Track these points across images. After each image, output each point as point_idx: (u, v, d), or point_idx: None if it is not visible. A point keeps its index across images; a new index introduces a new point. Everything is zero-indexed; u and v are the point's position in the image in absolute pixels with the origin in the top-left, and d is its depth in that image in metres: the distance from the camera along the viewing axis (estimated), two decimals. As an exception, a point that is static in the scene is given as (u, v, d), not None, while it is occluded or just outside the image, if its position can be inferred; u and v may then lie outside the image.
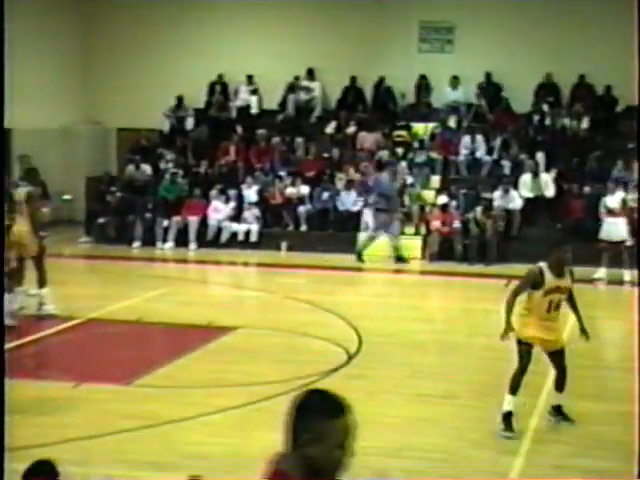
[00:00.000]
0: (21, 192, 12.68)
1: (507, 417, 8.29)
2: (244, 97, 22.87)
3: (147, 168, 21.53)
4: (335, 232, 19.52)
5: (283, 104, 22.67)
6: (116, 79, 23.38)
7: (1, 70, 4.29)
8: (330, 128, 22.03)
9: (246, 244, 19.58)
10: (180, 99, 22.93)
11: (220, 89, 23.03)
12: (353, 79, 22.37)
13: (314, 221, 19.87)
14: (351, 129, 21.76)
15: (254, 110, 22.85)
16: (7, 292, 12.10)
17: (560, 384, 8.53)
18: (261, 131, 21.75)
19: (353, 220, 19.49)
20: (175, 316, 13.07)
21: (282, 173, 20.80)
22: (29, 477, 4.43)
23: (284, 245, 19.48)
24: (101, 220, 20.40)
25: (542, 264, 8.29)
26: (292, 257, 18.82)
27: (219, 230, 19.81)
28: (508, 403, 8.32)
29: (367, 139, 21.41)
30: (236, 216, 20.00)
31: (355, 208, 19.67)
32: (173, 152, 22.00)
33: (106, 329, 12.33)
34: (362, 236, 18.70)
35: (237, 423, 8.63)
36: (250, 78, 22.73)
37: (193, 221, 19.75)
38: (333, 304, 13.83)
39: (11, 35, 22.25)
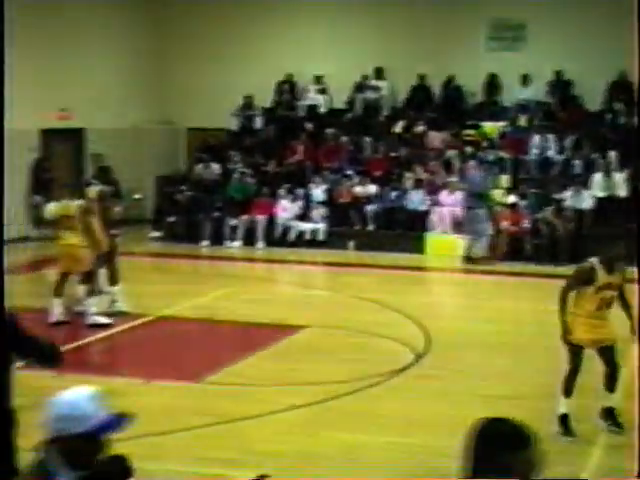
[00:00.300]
0: (93, 190, 12.89)
1: (563, 420, 8.14)
2: (312, 96, 22.93)
3: (216, 167, 21.71)
4: (403, 231, 19.44)
5: (351, 103, 22.67)
6: (187, 79, 23.63)
7: (1, 70, 4.32)
8: (398, 127, 21.96)
9: (313, 243, 19.62)
10: (249, 99, 23.07)
11: (288, 88, 23.11)
12: (421, 78, 22.27)
13: (382, 220, 19.82)
14: (419, 128, 21.66)
15: (322, 109, 22.89)
16: (93, 294, 12.36)
17: (610, 383, 8.17)
18: (329, 130, 21.78)
19: (421, 219, 19.40)
20: (244, 314, 13.15)
21: (350, 172, 20.79)
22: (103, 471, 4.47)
23: (351, 244, 19.47)
24: (170, 219, 20.63)
25: (593, 260, 8.10)
26: (359, 256, 18.81)
27: (286, 229, 19.88)
28: (562, 405, 8.16)
29: (435, 138, 21.29)
30: (303, 215, 20.06)
31: (423, 207, 19.58)
32: (241, 151, 22.15)
33: (176, 327, 12.47)
34: (463, 241, 18.37)
35: (306, 421, 8.65)
36: (318, 77, 22.77)
37: (261, 220, 19.86)
38: (401, 304, 13.77)
39: (86, 36, 22.73)
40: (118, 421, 3.46)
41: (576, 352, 8.11)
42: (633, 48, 9.50)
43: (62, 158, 21.28)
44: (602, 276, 8.00)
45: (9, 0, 17.44)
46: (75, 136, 21.75)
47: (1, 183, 5.93)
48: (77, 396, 3.43)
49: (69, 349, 10.91)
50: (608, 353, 8.15)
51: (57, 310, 12.20)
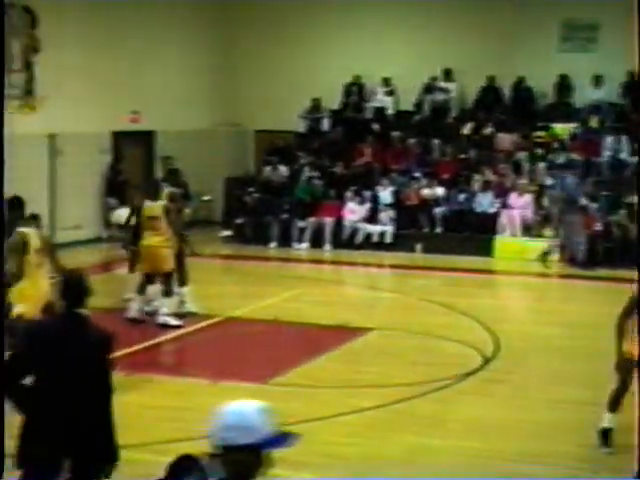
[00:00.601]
0: (164, 192, 13.03)
1: (604, 434, 7.86)
2: (380, 98, 22.86)
3: (284, 169, 21.78)
4: (471, 234, 19.26)
5: (419, 105, 22.54)
6: (255, 81, 23.75)
7: (1, 71, 4.36)
8: (467, 129, 21.77)
9: (381, 245, 19.55)
10: (316, 101, 23.10)
11: (356, 90, 23.08)
12: (491, 79, 22.04)
13: (450, 223, 19.67)
14: (488, 130, 21.44)
15: (390, 111, 22.80)
16: (168, 295, 12.54)
17: None
18: (396, 133, 21.70)
19: (489, 222, 19.20)
20: (311, 316, 13.15)
21: (417, 174, 20.68)
22: (174, 471, 4.49)
23: (419, 247, 19.36)
24: (238, 220, 20.76)
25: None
26: (427, 259, 18.69)
27: (354, 231, 19.85)
28: (607, 421, 7.87)
29: (505, 140, 21.05)
30: (371, 217, 20.00)
31: (492, 210, 19.38)
32: (309, 154, 22.19)
33: (244, 328, 12.52)
34: (543, 243, 18.18)
35: (373, 424, 8.60)
36: (386, 79, 22.70)
37: (328, 222, 19.86)
38: (469, 307, 13.64)
39: (155, 39, 22.97)
40: (285, 438, 3.39)
41: (627, 365, 7.82)
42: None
43: (133, 160, 21.56)
44: None
45: (84, 5, 17.61)
46: (145, 138, 22.03)
47: (1, 184, 5.96)
48: (246, 407, 3.34)
49: (139, 349, 11.05)
50: None
51: (136, 306, 12.43)
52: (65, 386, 5.19)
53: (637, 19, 8.72)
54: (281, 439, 3.35)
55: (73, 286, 5.39)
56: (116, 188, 20.36)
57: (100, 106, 19.87)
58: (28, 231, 9.42)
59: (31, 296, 8.95)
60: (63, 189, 19.03)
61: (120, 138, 21.19)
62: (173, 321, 12.29)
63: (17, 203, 9.88)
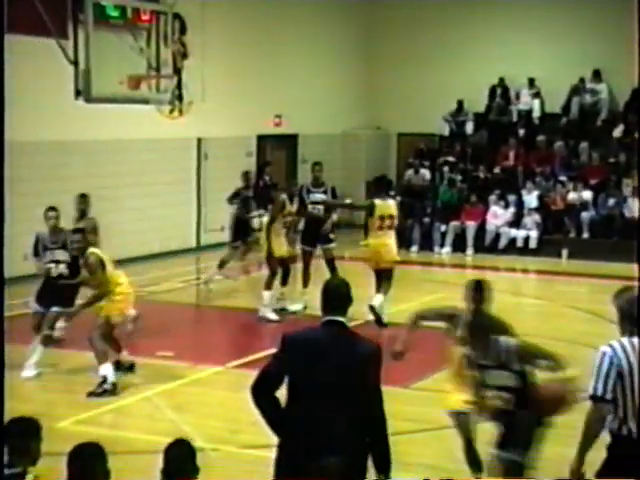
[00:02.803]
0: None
1: None
2: (526, 100, 22.42)
3: (426, 173, 21.64)
4: (620, 240, 18.64)
5: (567, 107, 21.99)
6: (397, 84, 23.70)
7: (1, 71, 4.36)
8: (617, 132, 21.10)
9: (525, 250, 19.18)
10: (460, 103, 22.86)
11: (501, 92, 22.72)
12: (643, 80, 21.28)
13: (597, 228, 19.11)
14: (640, 133, 20.72)
15: (536, 114, 22.34)
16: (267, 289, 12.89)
17: None
18: (540, 137, 21.24)
19: (640, 228, 18.54)
20: (452, 321, 12.95)
21: (564, 178, 20.17)
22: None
23: (565, 252, 18.88)
24: (380, 223, 20.72)
25: None
26: (573, 265, 18.19)
27: (497, 236, 19.53)
28: None
29: (657, 143, 20.29)
30: (515, 222, 19.64)
31: (643, 215, 18.71)
32: (453, 157, 21.97)
33: (383, 332, 12.47)
34: None
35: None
36: (532, 81, 22.25)
37: (471, 226, 19.61)
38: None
39: (297, 43, 23.15)
40: None
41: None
42: None
43: (276, 163, 21.86)
44: None
45: (229, 12, 17.92)
46: (289, 142, 22.29)
47: (1, 186, 5.96)
48: None
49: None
50: None
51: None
52: (324, 399, 4.83)
53: (637, 22, 8.27)
54: None
55: (333, 293, 5.04)
56: (261, 191, 20.66)
57: (245, 110, 20.23)
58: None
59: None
60: (210, 192, 19.47)
61: (264, 142, 21.53)
62: (272, 315, 12.83)
63: None
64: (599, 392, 5.03)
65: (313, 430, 4.80)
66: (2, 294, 4.89)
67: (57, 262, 10.53)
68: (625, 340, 5.13)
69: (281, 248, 13.32)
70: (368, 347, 5.04)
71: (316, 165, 13.99)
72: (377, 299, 12.98)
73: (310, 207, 13.48)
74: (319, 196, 13.46)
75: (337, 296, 5.02)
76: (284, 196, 13.44)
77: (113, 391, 9.47)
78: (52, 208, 10.94)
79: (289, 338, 5.16)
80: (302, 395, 4.87)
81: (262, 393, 4.96)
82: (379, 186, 13.44)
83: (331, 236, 13.64)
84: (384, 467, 5.00)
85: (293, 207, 13.41)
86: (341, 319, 4.97)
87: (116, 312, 9.81)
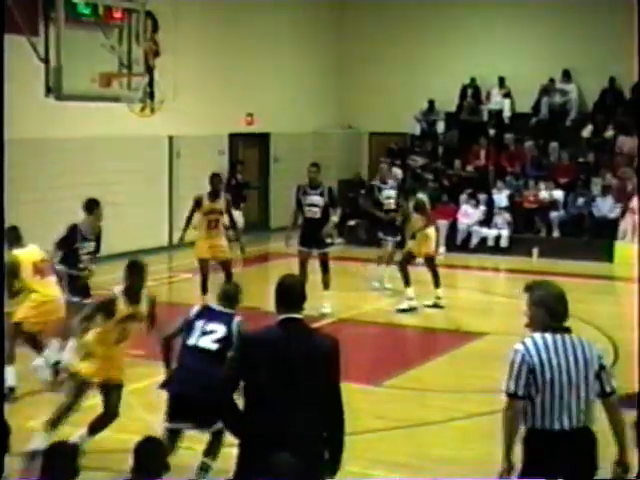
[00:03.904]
0: None
1: None
2: (496, 100, 22.55)
3: (398, 172, 21.69)
4: (590, 239, 18.81)
5: (536, 107, 22.14)
6: (368, 83, 23.74)
7: (1, 71, 4.35)
8: (586, 132, 21.27)
9: (496, 249, 19.28)
10: (431, 103, 22.95)
11: (472, 92, 22.83)
12: (612, 80, 21.46)
13: (567, 227, 19.26)
14: (609, 133, 20.90)
15: (506, 113, 22.47)
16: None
17: None
18: (509, 135, 21.38)
19: (609, 227, 18.71)
20: (424, 319, 13.06)
21: (534, 177, 20.32)
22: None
23: (535, 251, 19.01)
24: (351, 222, 20.77)
25: None
26: (544, 264, 18.31)
27: (468, 234, 19.63)
28: None
29: (626, 143, 20.47)
30: (486, 220, 19.75)
31: (612, 215, 18.87)
32: (423, 156, 22.05)
33: (357, 329, 12.52)
34: None
35: (486, 430, 8.44)
36: (502, 80, 22.37)
37: (443, 225, 19.66)
38: (586, 313, 13.27)
39: (269, 42, 23.06)
40: None
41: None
42: None
43: (248, 162, 21.84)
44: None
45: (201, 11, 17.83)
46: (260, 140, 22.28)
47: (1, 187, 5.89)
48: None
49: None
50: None
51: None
52: (284, 398, 4.82)
53: (637, 18, 8.42)
54: None
55: (288, 291, 5.04)
56: (233, 189, 20.64)
57: (217, 108, 20.19)
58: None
59: None
60: (182, 190, 19.41)
61: (236, 140, 21.50)
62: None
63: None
64: (511, 389, 5.15)
65: (272, 429, 4.79)
66: (2, 295, 4.83)
67: None
68: (538, 336, 5.27)
69: (201, 250, 13.02)
70: (326, 343, 5.06)
71: (312, 166, 13.55)
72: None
73: (307, 209, 13.04)
74: (316, 198, 13.21)
75: (292, 293, 5.02)
76: (201, 193, 13.25)
77: (7, 396, 9.03)
78: None
79: (246, 338, 5.18)
80: (261, 394, 4.85)
81: (225, 395, 4.98)
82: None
83: (328, 240, 13.52)
84: (332, 467, 4.99)
85: (217, 204, 13.08)
86: (298, 316, 4.98)
87: (29, 319, 9.52)
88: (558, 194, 19.68)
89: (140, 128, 16.02)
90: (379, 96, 23.40)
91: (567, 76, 21.85)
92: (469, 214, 19.77)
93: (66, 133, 16.67)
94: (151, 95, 12.75)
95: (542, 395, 5.14)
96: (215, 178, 13.39)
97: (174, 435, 6.83)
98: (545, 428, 5.14)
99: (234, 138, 21.41)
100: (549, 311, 5.31)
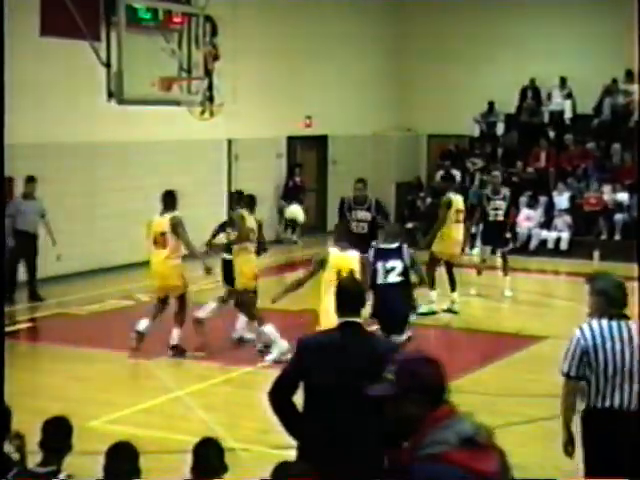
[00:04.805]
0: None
1: None
2: (557, 101, 22.29)
3: (456, 174, 21.58)
4: (654, 242, 18.49)
5: (599, 108, 21.83)
6: (427, 85, 23.64)
7: (1, 72, 4.35)
8: (649, 133, 20.91)
9: (556, 252, 19.06)
10: (491, 104, 22.77)
11: (532, 93, 22.60)
12: (677, 80, 21.08)
13: (630, 230, 18.95)
14: (673, 134, 20.52)
15: (567, 115, 22.20)
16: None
17: None
18: (568, 136, 21.11)
19: (674, 230, 18.37)
20: (483, 322, 12.96)
21: (596, 179, 20.04)
22: None
23: (596, 254, 18.74)
24: (409, 225, 20.70)
25: None
26: (605, 267, 18.02)
27: (528, 237, 19.42)
28: None
29: (691, 144, 20.09)
30: (546, 223, 19.53)
31: (676, 217, 18.54)
32: (483, 158, 21.89)
33: (414, 333, 12.44)
34: None
35: (546, 434, 8.36)
36: (564, 81, 22.11)
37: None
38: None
39: (327, 45, 23.07)
40: None
41: None
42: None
43: (306, 165, 21.90)
44: None
45: (260, 13, 17.86)
46: (318, 143, 22.32)
47: (1, 188, 5.90)
48: None
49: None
50: None
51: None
52: (341, 400, 4.75)
53: (637, 18, 8.19)
54: None
55: (346, 295, 5.02)
56: (291, 192, 20.73)
57: (275, 111, 20.28)
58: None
59: None
60: (241, 193, 19.52)
61: (294, 143, 21.57)
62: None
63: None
64: (565, 370, 5.65)
65: (331, 433, 4.78)
66: (2, 295, 4.88)
67: None
68: (594, 321, 5.64)
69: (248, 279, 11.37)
70: (386, 346, 5.06)
71: (358, 182, 13.02)
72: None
73: (354, 224, 12.59)
74: (362, 213, 12.98)
75: (351, 297, 5.01)
76: (241, 211, 11.83)
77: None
78: None
79: (304, 342, 5.14)
80: (319, 398, 4.84)
81: (279, 397, 4.96)
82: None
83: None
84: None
85: (250, 221, 11.67)
86: (355, 319, 4.96)
87: None
88: (623, 196, 19.38)
89: (199, 131, 16.16)
90: (438, 98, 23.29)
91: (630, 76, 21.50)
92: (530, 216, 19.57)
93: (126, 137, 16.87)
94: (210, 98, 12.85)
95: (596, 376, 5.50)
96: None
97: None
98: (598, 407, 5.51)
99: (292, 141, 21.48)
100: (607, 299, 5.63)
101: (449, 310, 13.61)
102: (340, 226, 12.32)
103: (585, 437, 5.64)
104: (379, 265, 9.16)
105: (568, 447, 5.73)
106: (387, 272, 9.16)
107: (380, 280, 9.15)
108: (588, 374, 5.53)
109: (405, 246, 9.41)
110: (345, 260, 8.99)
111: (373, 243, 9.96)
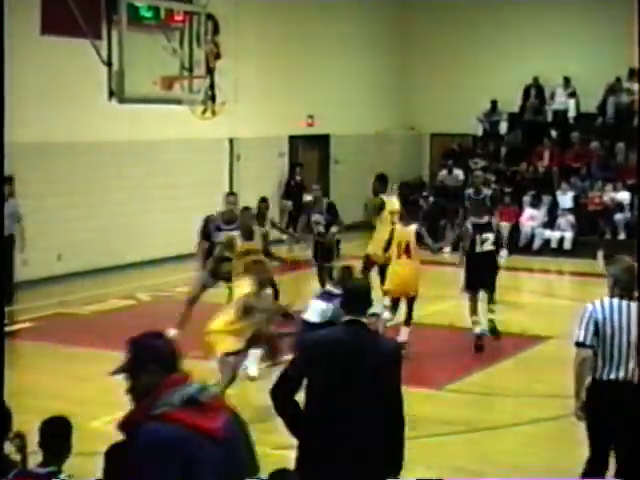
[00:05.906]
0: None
1: None
2: (561, 100, 22.22)
3: (459, 173, 21.52)
4: (657, 241, 18.41)
5: (602, 107, 21.75)
6: (430, 84, 23.59)
7: (1, 71, 4.31)
8: (653, 132, 20.83)
9: (559, 252, 18.98)
10: (494, 103, 22.70)
11: (535, 92, 22.53)
12: (680, 79, 21.00)
13: (634, 229, 18.87)
14: (677, 133, 20.44)
15: (571, 113, 22.12)
16: None
17: None
18: (574, 134, 21.03)
19: (677, 229, 18.30)
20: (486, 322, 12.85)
21: (600, 179, 19.96)
22: None
23: (600, 254, 18.66)
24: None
25: None
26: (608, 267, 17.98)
27: (532, 237, 19.36)
28: None
29: (695, 143, 20.02)
30: (550, 222, 19.45)
31: (680, 216, 18.46)
32: (485, 157, 21.82)
33: (417, 333, 12.37)
34: None
35: (550, 435, 8.31)
36: (567, 80, 22.04)
37: (505, 227, 19.42)
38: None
39: (329, 44, 23.01)
40: None
41: None
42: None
43: (308, 164, 21.84)
44: None
45: (261, 12, 17.75)
46: (321, 142, 22.26)
47: (1, 189, 5.86)
48: None
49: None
50: None
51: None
52: (344, 398, 4.76)
53: (637, 18, 8.12)
54: None
55: (353, 294, 5.03)
56: (292, 191, 20.67)
57: (277, 110, 20.22)
58: None
59: None
60: (243, 192, 19.47)
61: (296, 142, 21.51)
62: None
63: None
64: (580, 338, 5.89)
65: (332, 431, 4.75)
66: (2, 296, 4.82)
67: None
68: (605, 299, 6.01)
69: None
70: (389, 346, 5.09)
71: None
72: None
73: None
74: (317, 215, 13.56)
75: (356, 297, 5.01)
76: (233, 233, 11.61)
77: None
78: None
79: (308, 339, 5.17)
80: (322, 394, 4.81)
81: (281, 395, 4.92)
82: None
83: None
84: (394, 468, 4.93)
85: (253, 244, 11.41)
86: (361, 319, 4.94)
87: None
88: (625, 196, 19.30)
89: (201, 130, 16.11)
90: (441, 97, 23.23)
91: (633, 75, 21.42)
92: (533, 216, 19.51)
93: (127, 136, 16.82)
94: (212, 97, 12.79)
95: (603, 348, 5.84)
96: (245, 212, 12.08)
97: None
98: (603, 379, 5.83)
99: (294, 140, 21.42)
100: (617, 280, 6.02)
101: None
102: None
103: (590, 407, 5.92)
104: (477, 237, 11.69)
105: (578, 413, 6.01)
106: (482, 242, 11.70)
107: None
108: (596, 346, 5.84)
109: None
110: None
111: None
